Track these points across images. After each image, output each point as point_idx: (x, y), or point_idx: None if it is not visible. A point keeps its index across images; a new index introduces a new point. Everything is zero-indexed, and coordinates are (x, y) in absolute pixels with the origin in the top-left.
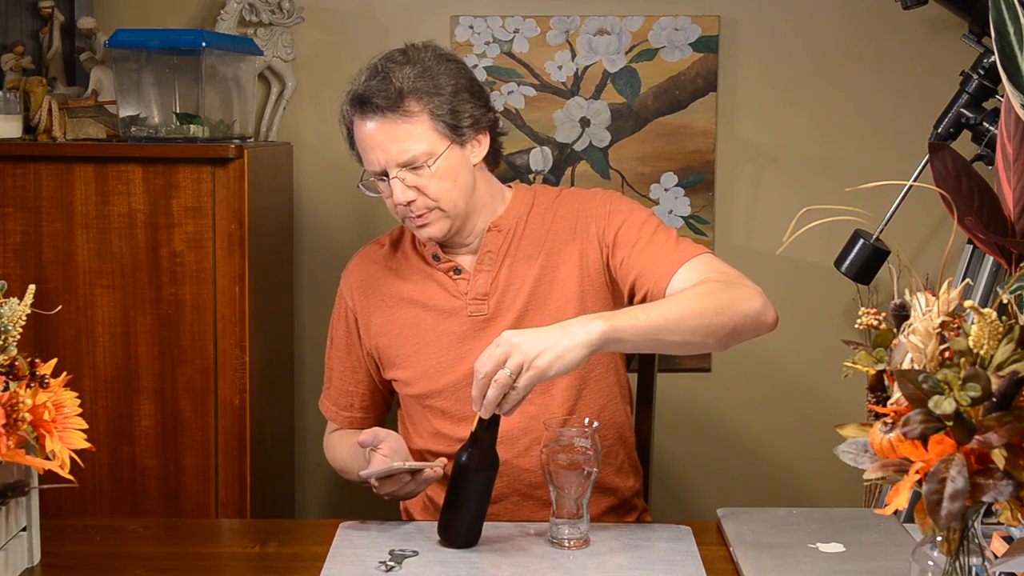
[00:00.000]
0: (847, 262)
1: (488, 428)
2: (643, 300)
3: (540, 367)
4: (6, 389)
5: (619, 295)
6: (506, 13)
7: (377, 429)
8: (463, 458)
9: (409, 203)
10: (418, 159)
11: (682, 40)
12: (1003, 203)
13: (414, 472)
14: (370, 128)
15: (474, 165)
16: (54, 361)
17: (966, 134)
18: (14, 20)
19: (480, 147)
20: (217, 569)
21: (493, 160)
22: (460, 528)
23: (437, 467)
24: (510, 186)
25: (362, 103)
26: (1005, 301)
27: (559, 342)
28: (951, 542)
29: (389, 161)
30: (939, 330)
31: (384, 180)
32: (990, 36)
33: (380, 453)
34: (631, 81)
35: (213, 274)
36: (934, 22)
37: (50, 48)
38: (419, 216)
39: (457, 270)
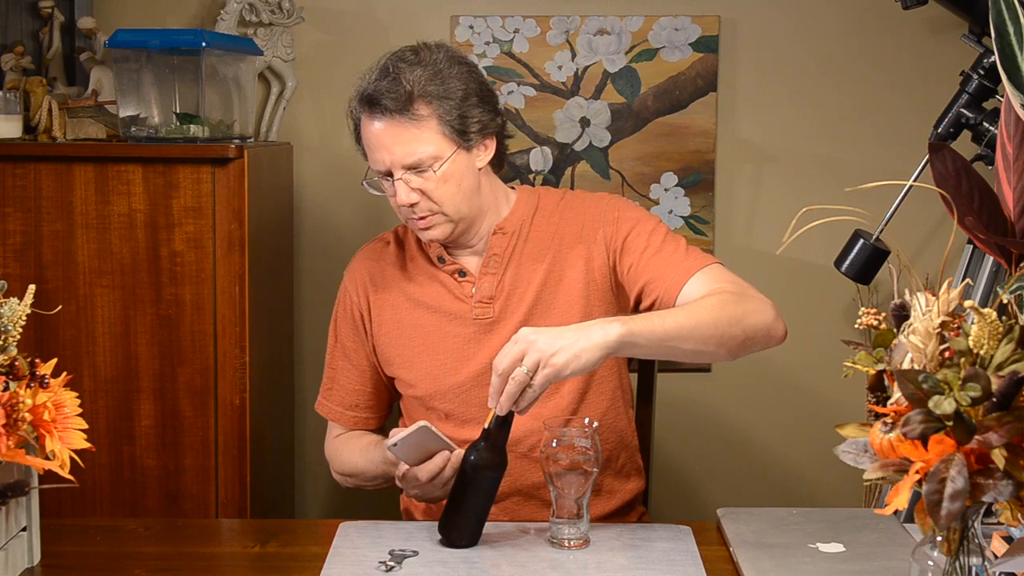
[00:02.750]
0: (847, 262)
1: (502, 426)
2: (651, 307)
3: (556, 365)
4: (6, 389)
5: (624, 300)
6: (506, 13)
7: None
8: (472, 456)
9: (412, 205)
10: (424, 162)
11: (682, 40)
12: (1003, 203)
13: (448, 450)
14: (377, 128)
15: (479, 169)
16: (54, 361)
17: (966, 134)
18: (14, 20)
19: (486, 152)
20: (217, 569)
21: (498, 163)
22: (463, 527)
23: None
24: (513, 187)
25: (371, 103)
26: (1005, 301)
27: (576, 342)
28: (951, 542)
29: (395, 162)
30: (939, 330)
31: (389, 180)
32: (990, 36)
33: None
34: (631, 81)
35: (213, 274)
36: (934, 22)
37: (50, 48)
38: (422, 218)
39: (462, 272)
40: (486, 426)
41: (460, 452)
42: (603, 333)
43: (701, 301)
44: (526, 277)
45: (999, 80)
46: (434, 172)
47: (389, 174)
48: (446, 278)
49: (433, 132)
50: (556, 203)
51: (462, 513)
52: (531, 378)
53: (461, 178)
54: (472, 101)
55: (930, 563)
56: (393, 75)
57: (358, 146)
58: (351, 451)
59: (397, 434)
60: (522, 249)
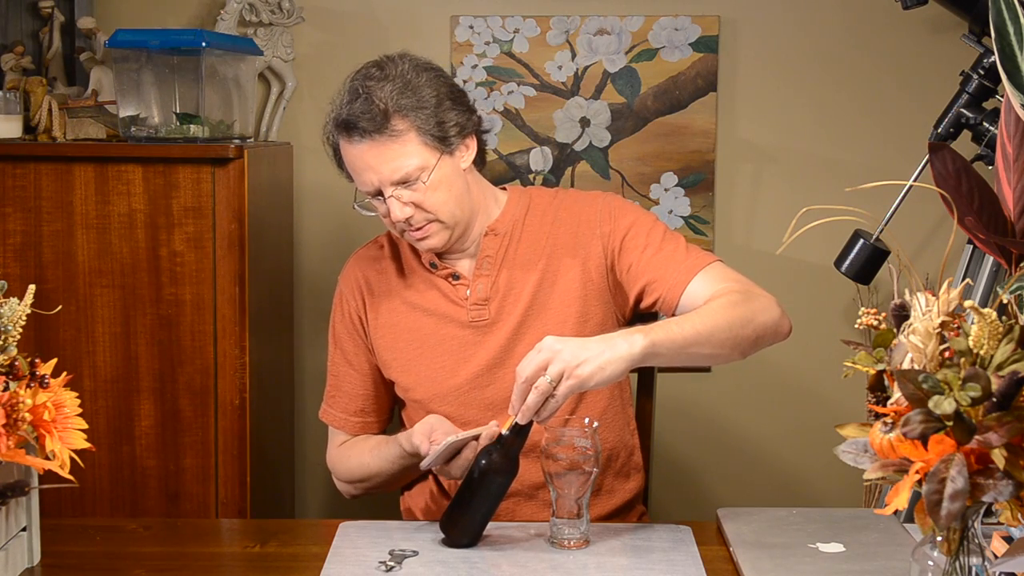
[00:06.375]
0: (847, 262)
1: (520, 434)
2: (652, 306)
3: (581, 376)
4: (6, 389)
5: (622, 300)
6: (506, 13)
7: (421, 428)
8: (484, 460)
9: (407, 219)
10: (412, 175)
11: (682, 40)
12: (1003, 203)
13: (476, 437)
14: (359, 151)
15: (464, 170)
16: (54, 361)
17: (966, 134)
18: (14, 20)
19: (468, 151)
20: (217, 569)
21: (480, 160)
22: (466, 527)
23: (492, 427)
24: (504, 188)
25: (348, 127)
26: (1005, 301)
27: (602, 354)
28: (951, 542)
29: (383, 181)
30: (939, 330)
31: (380, 199)
32: (990, 36)
33: (435, 444)
34: (631, 81)
35: (213, 274)
36: (934, 22)
37: (50, 48)
38: (418, 229)
39: (455, 276)
40: (503, 431)
41: (487, 430)
42: (628, 345)
43: (712, 304)
44: (521, 278)
45: (999, 80)
46: (423, 183)
47: (379, 193)
48: (441, 282)
49: (414, 144)
50: (549, 203)
51: (467, 514)
52: (554, 388)
53: (450, 183)
54: (446, 105)
55: (930, 563)
56: (364, 95)
57: (341, 171)
58: (359, 455)
59: (429, 456)
60: (515, 250)
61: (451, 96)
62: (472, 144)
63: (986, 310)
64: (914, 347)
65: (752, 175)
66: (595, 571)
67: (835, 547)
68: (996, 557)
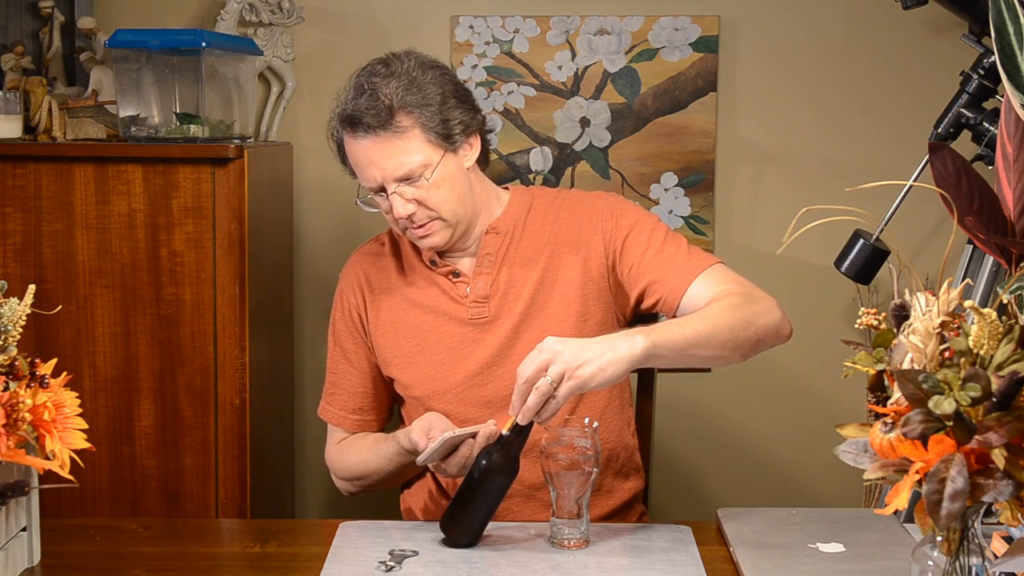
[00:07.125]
0: (847, 262)
1: (520, 434)
2: (653, 307)
3: (582, 377)
4: (6, 389)
5: (623, 300)
6: (506, 13)
7: (419, 424)
8: (484, 460)
9: (410, 216)
10: (415, 172)
11: (682, 40)
12: (1003, 203)
13: (473, 434)
14: (363, 146)
15: (467, 168)
16: (54, 361)
17: (966, 134)
18: (14, 20)
19: (472, 150)
20: (217, 569)
21: (484, 160)
22: (466, 527)
23: (490, 426)
24: (507, 188)
25: (352, 122)
26: (1005, 301)
27: (603, 355)
28: (951, 542)
29: (386, 177)
30: (939, 330)
31: (383, 195)
32: (990, 36)
33: (432, 441)
34: (631, 81)
35: (213, 274)
36: (934, 22)
37: (50, 48)
38: (420, 227)
39: (455, 273)
40: (503, 432)
41: (484, 428)
42: (629, 346)
43: (713, 306)
44: (521, 277)
45: (999, 80)
46: (426, 180)
47: (382, 190)
48: (441, 279)
49: (418, 141)
50: (551, 202)
51: (467, 514)
52: (555, 389)
53: (453, 181)
54: (451, 103)
55: (930, 563)
56: (369, 91)
57: (344, 167)
58: (359, 452)
59: (426, 451)
60: (516, 248)
61: (456, 94)
62: (476, 143)
63: (986, 310)
64: (914, 347)
65: (752, 175)
66: (595, 571)
67: (835, 547)
68: (996, 557)
